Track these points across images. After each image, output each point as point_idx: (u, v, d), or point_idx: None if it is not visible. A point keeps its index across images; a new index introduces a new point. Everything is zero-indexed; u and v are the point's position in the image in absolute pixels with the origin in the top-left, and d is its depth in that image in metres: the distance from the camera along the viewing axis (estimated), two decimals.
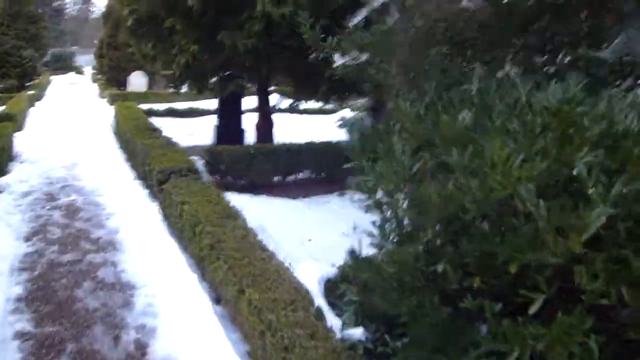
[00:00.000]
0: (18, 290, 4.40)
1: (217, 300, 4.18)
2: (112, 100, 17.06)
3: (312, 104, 12.89)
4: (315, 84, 8.70)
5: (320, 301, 3.23)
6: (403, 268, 2.48)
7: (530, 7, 3.97)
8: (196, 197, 5.31)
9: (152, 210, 6.44)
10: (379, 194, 3.15)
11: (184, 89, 10.51)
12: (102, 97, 20.80)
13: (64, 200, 7.21)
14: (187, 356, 3.46)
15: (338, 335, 2.86)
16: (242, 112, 11.52)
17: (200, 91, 10.16)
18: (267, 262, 3.73)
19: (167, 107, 16.92)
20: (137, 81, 22.16)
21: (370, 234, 2.92)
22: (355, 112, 15.91)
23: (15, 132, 11.07)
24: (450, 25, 4.98)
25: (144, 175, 7.84)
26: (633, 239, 2.03)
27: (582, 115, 2.52)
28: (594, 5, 4.07)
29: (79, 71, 37.80)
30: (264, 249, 4.03)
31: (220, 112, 11.69)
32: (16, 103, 15.36)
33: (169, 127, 11.25)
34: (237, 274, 3.54)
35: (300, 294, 3.23)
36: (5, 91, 19.78)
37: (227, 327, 3.76)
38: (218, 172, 8.68)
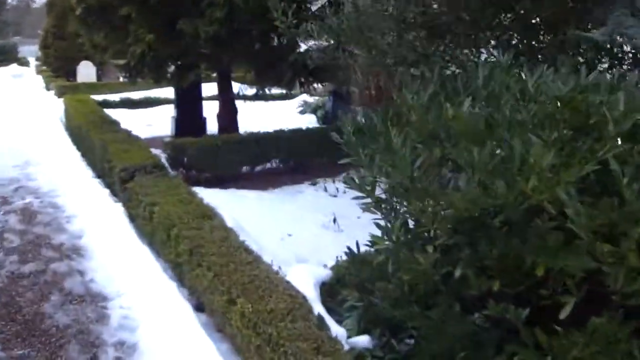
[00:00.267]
0: None
1: (198, 307, 3.91)
2: (61, 93, 16.18)
3: (273, 90, 12.57)
4: (280, 71, 8.41)
5: (319, 308, 3.02)
6: (418, 276, 2.29)
7: None
8: (166, 197, 4.99)
9: (116, 211, 6.04)
10: (378, 191, 2.95)
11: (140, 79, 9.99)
12: (49, 89, 19.75)
13: (18, 203, 6.71)
14: None
15: (345, 345, 2.67)
16: (202, 100, 11.10)
17: (158, 81, 9.69)
18: (254, 266, 3.49)
19: (121, 97, 16.20)
20: (86, 71, 21.17)
21: (375, 237, 2.72)
22: (316, 97, 15.69)
23: None
24: (427, 9, 4.81)
25: (103, 173, 7.40)
26: None
27: (598, 105, 2.37)
28: None
29: (22, 62, 35.93)
30: (248, 251, 3.78)
31: (178, 101, 11.22)
32: None
33: (125, 119, 10.65)
34: (224, 282, 3.29)
35: (297, 301, 3.00)
36: None
37: (214, 337, 3.51)
38: (181, 165, 8.31)
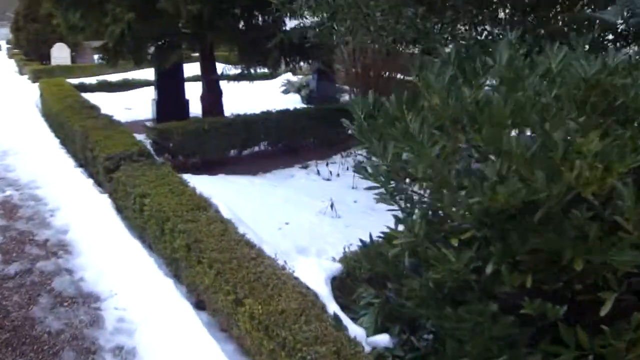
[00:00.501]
0: None
1: (198, 305, 3.72)
2: (35, 77, 15.59)
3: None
4: (265, 50, 8.10)
5: (332, 306, 2.85)
6: (449, 275, 2.12)
7: None
8: (156, 188, 4.74)
9: (102, 203, 5.75)
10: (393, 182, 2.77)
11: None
12: (23, 74, 19.05)
13: None
14: None
15: (365, 347, 2.50)
16: (184, 81, 10.72)
17: (138, 63, 9.31)
18: (258, 262, 3.29)
19: (98, 80, 15.67)
20: (60, 54, 20.45)
21: (393, 231, 2.54)
22: (300, 76, 15.36)
23: None
24: None
25: (85, 162, 7.09)
26: None
27: (623, 86, 2.21)
28: None
29: None
30: (250, 245, 3.58)
31: (158, 82, 10.77)
32: None
33: (104, 103, 10.25)
34: (229, 280, 3.09)
35: (309, 299, 2.82)
36: None
37: (217, 337, 3.32)
38: (167, 151, 8.01)
